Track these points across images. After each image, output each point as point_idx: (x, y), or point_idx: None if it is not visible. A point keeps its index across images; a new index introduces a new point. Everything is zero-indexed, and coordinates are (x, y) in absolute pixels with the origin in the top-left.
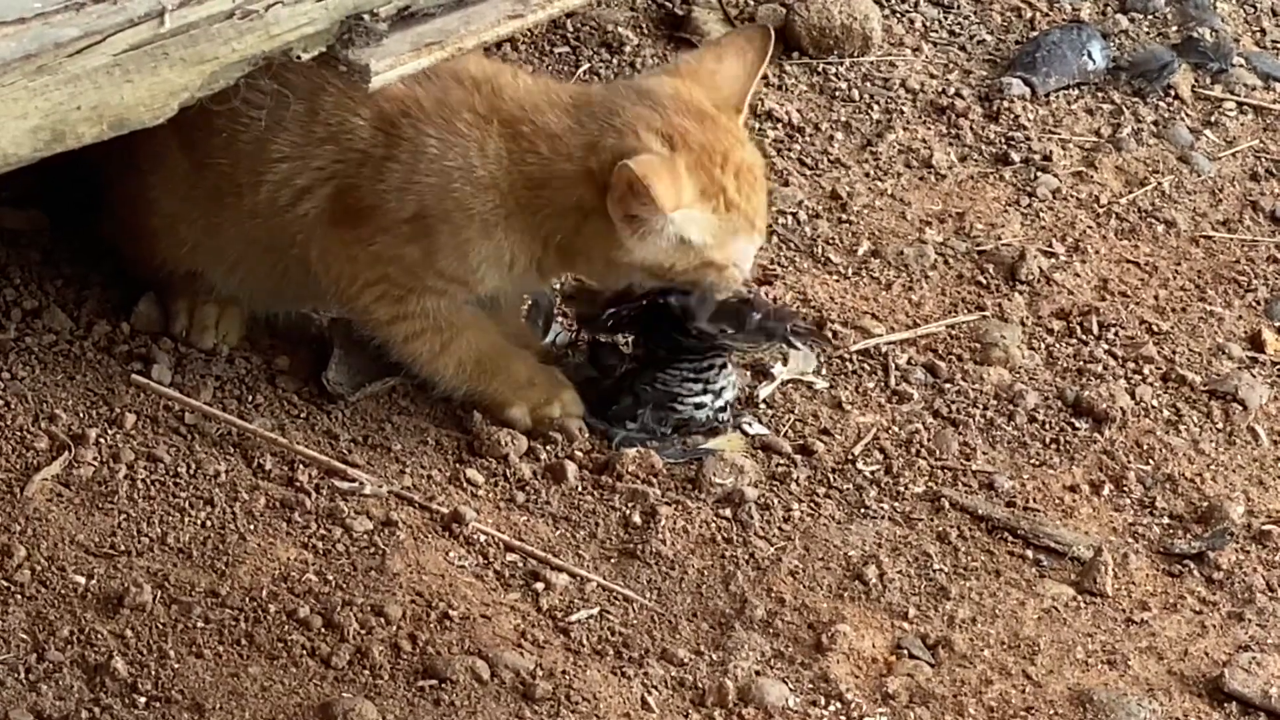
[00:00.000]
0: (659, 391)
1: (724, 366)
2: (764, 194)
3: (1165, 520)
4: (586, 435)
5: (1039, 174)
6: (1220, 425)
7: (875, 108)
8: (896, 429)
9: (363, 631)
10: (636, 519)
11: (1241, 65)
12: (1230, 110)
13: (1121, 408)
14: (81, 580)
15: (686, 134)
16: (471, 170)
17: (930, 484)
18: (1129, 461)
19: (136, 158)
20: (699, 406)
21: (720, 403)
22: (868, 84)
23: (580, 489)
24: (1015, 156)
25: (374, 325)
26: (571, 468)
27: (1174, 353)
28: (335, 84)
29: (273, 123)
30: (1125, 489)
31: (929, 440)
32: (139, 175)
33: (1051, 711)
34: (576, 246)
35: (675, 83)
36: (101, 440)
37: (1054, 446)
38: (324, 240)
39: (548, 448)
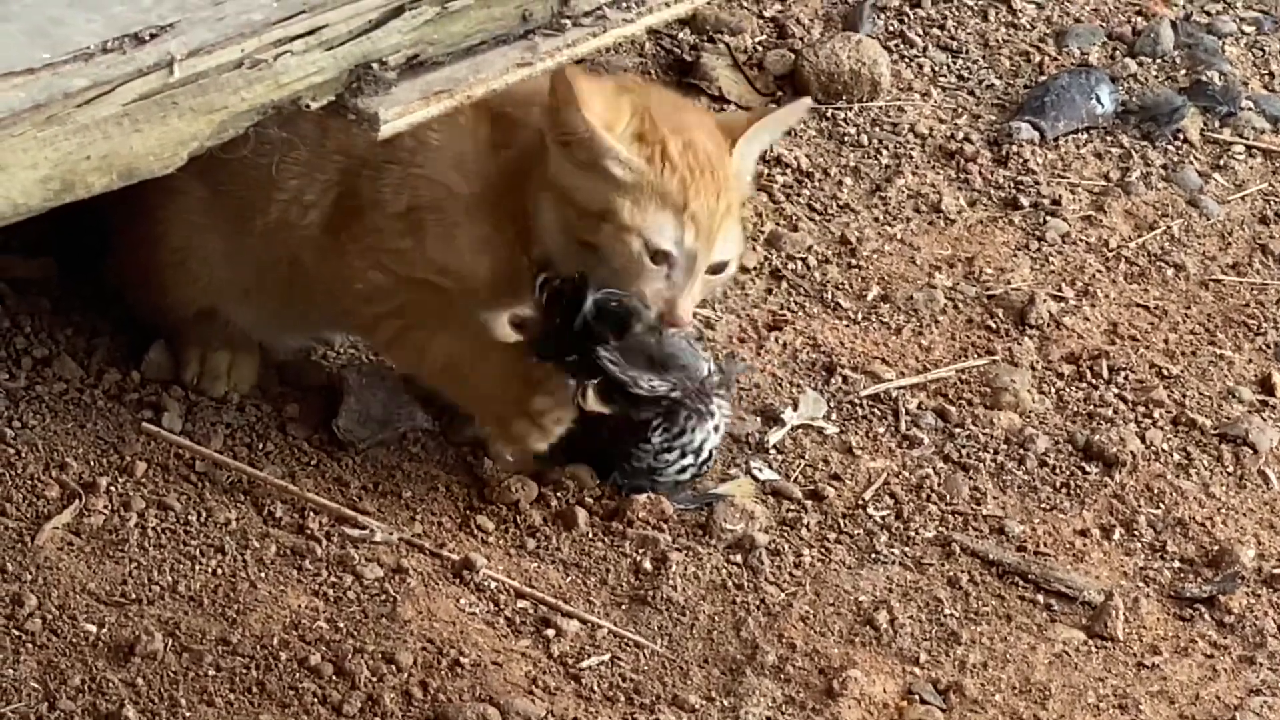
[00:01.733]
0: (637, 468)
1: (699, 418)
2: (714, 194)
3: (1176, 564)
4: (593, 478)
5: (1048, 218)
6: (1231, 469)
7: (884, 153)
8: (907, 474)
9: (374, 679)
10: (647, 565)
11: (1250, 109)
12: (1239, 154)
13: (1132, 451)
14: (92, 629)
15: (649, 98)
16: (463, 158)
17: (941, 529)
18: (1139, 505)
19: (145, 197)
20: (682, 470)
21: (703, 457)
22: (876, 129)
23: (591, 535)
24: (1024, 201)
25: (363, 330)
26: (582, 514)
27: (1184, 396)
28: None
29: (284, 146)
30: (1136, 533)
31: (939, 485)
32: (148, 213)
33: None
34: (530, 201)
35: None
36: (112, 488)
37: (1064, 491)
38: (322, 245)
39: (558, 494)
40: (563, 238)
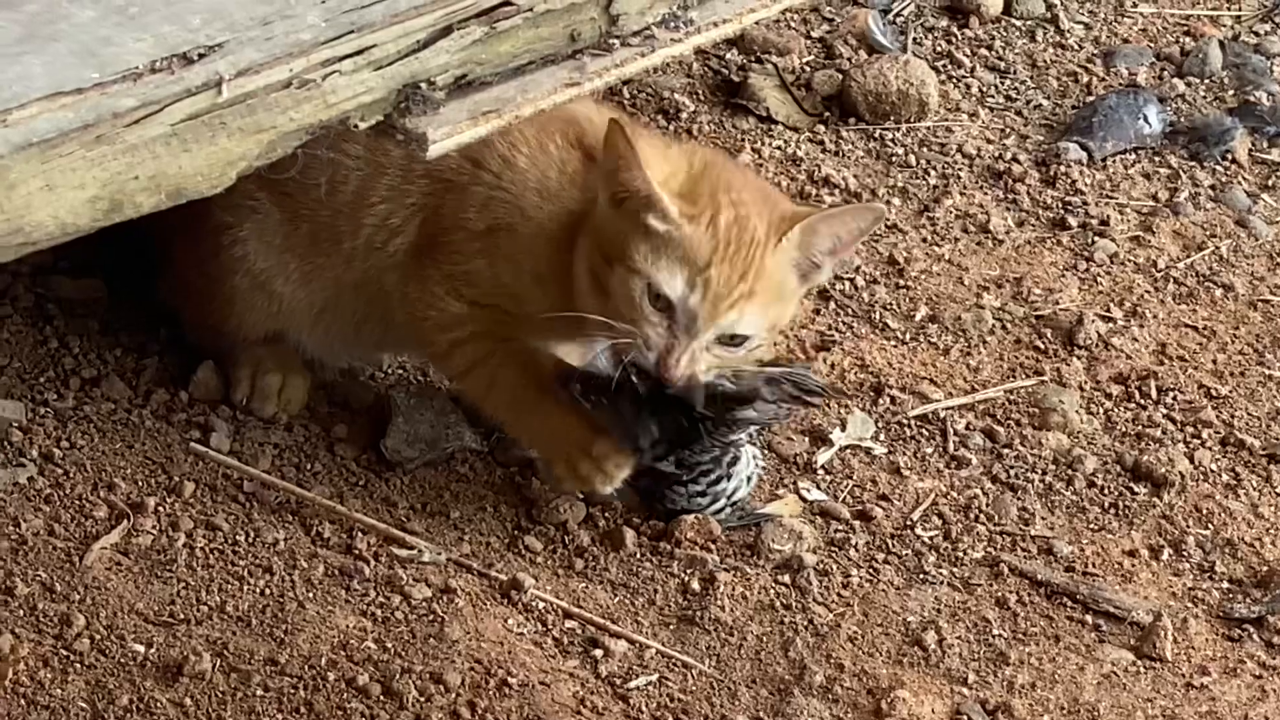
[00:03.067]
0: (671, 510)
1: (730, 462)
2: (742, 276)
3: (1225, 584)
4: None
5: (1096, 238)
6: (1279, 489)
7: (932, 173)
8: (955, 494)
9: (422, 699)
10: (695, 585)
11: None
12: None
13: (1180, 472)
14: (141, 649)
15: (693, 158)
16: (545, 185)
17: (989, 549)
18: (1188, 526)
19: (216, 218)
20: (717, 514)
21: (738, 498)
22: (924, 149)
23: (639, 555)
24: (1072, 221)
25: (437, 358)
26: (630, 534)
27: (1232, 416)
28: None
29: (373, 170)
30: (1184, 553)
31: (987, 505)
32: (215, 235)
33: None
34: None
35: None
36: (160, 509)
37: (1113, 511)
38: (405, 269)
39: (606, 514)
40: (586, 279)
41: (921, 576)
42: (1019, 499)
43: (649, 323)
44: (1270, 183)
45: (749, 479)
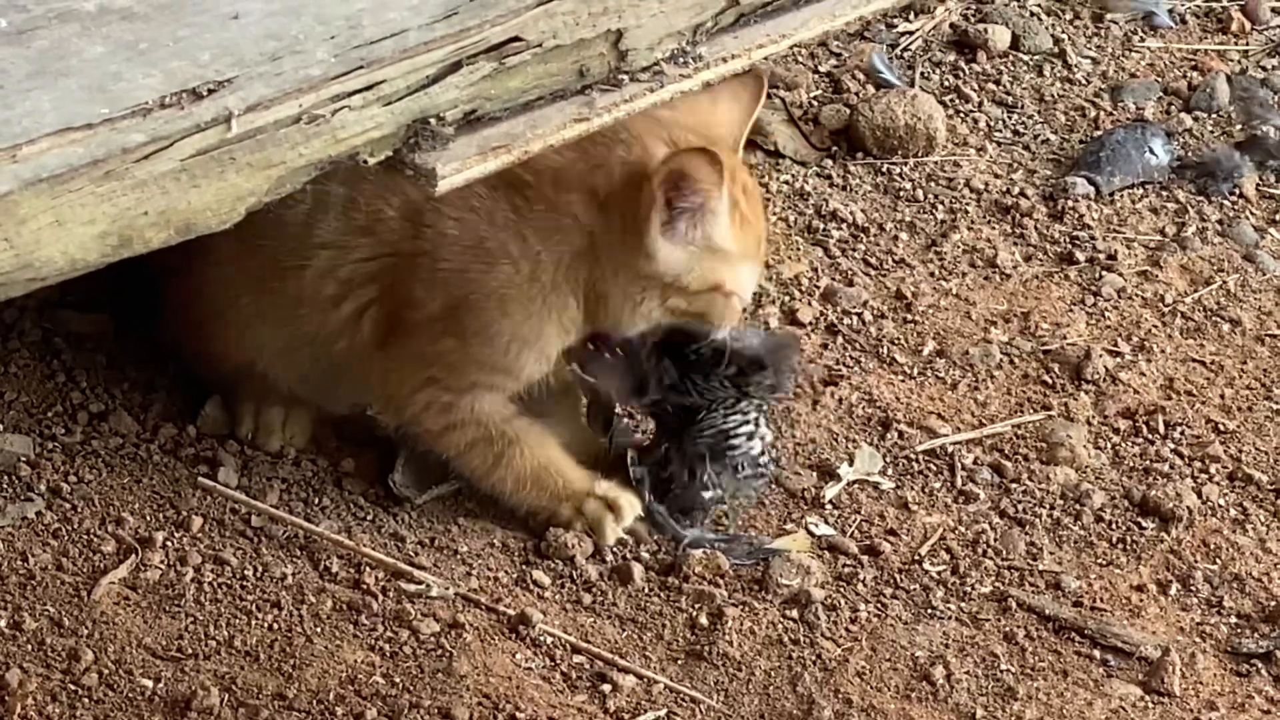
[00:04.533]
0: (710, 438)
1: (743, 400)
2: (764, 223)
3: (1233, 619)
4: (652, 535)
5: (1104, 273)
6: None
7: (940, 207)
8: (963, 529)
9: None
10: (703, 620)
11: None
12: None
13: (1188, 507)
14: (149, 683)
15: (693, 144)
16: (482, 243)
17: (997, 584)
18: (1196, 561)
19: (189, 248)
20: (750, 437)
21: (770, 438)
22: (932, 184)
23: (647, 590)
24: (1080, 256)
25: (429, 438)
26: (638, 569)
27: (1240, 451)
28: (374, 174)
29: (316, 205)
30: (1192, 588)
31: (995, 540)
32: (189, 263)
33: None
34: (596, 280)
35: (672, 113)
36: (168, 543)
37: (1120, 546)
38: (372, 359)
39: (614, 549)
40: (655, 315)
41: (929, 611)
42: (1027, 534)
43: (732, 314)
44: (1278, 217)
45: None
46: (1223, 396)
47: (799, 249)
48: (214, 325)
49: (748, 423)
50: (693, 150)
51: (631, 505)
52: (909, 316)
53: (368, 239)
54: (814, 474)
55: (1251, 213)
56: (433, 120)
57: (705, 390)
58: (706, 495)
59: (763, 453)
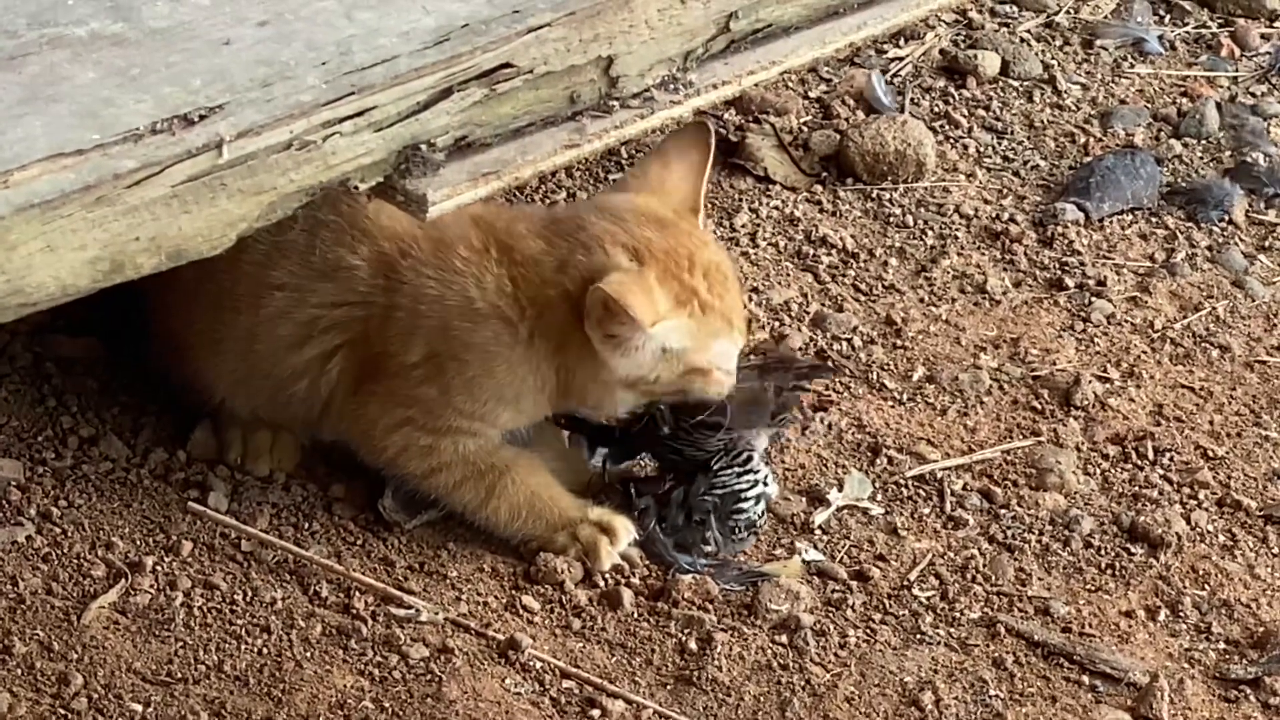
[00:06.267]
0: (719, 498)
1: (753, 455)
2: (737, 291)
3: (1221, 645)
4: (643, 561)
5: (1093, 299)
6: (1276, 550)
7: (929, 233)
8: (952, 555)
9: None
10: (692, 645)
11: None
12: None
13: (1177, 533)
14: (139, 708)
15: (650, 244)
16: (471, 304)
17: (986, 610)
18: (1185, 587)
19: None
20: (758, 499)
21: (771, 490)
22: (922, 210)
23: (636, 615)
24: (1069, 282)
25: (414, 481)
26: (628, 594)
27: (1229, 478)
28: (336, 219)
29: (272, 247)
30: (1181, 614)
31: (984, 566)
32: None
33: None
34: (570, 370)
35: (631, 197)
36: (158, 568)
37: (1109, 572)
38: (345, 406)
39: (604, 574)
40: (631, 403)
41: (918, 637)
42: (1016, 559)
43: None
44: (1267, 243)
45: (769, 470)
46: (1212, 423)
47: (788, 274)
48: (180, 349)
49: (758, 483)
50: (620, 281)
51: (627, 529)
52: (898, 342)
53: (328, 285)
54: (803, 499)
55: (1241, 239)
56: (424, 146)
57: (699, 439)
58: (705, 548)
59: (762, 513)
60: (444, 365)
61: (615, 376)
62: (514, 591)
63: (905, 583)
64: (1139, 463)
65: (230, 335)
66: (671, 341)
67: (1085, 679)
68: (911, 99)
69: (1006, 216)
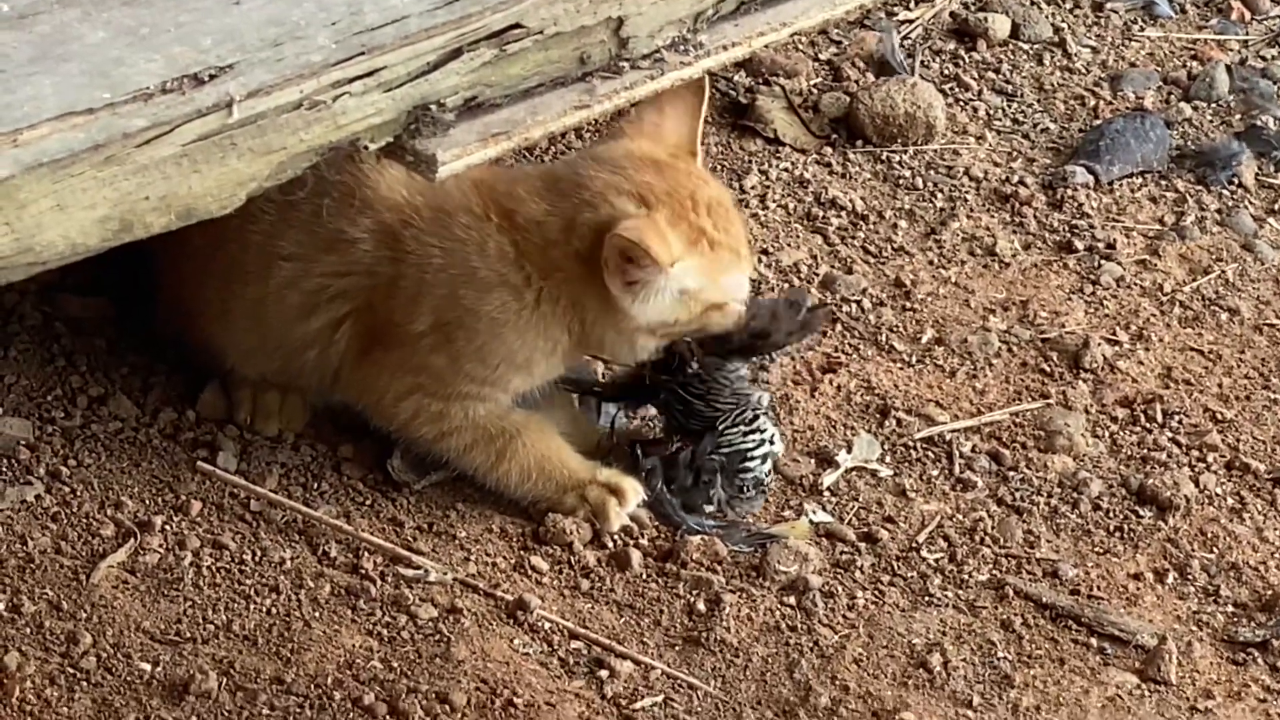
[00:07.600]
0: (726, 456)
1: (759, 414)
2: (740, 223)
3: (1229, 608)
4: (652, 522)
5: (1102, 262)
6: None
7: (939, 196)
8: (960, 517)
9: (427, 719)
10: (701, 606)
11: None
12: None
13: (1185, 496)
14: (147, 667)
15: (653, 188)
16: (475, 273)
17: (994, 572)
18: (1193, 549)
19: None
20: (764, 459)
21: (777, 449)
22: (931, 172)
23: (645, 576)
24: (1079, 244)
25: (426, 445)
26: (636, 555)
27: (1238, 440)
28: (338, 190)
29: (280, 218)
30: (1189, 577)
31: (993, 528)
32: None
33: None
34: (587, 325)
35: (625, 143)
36: (167, 527)
37: (1118, 534)
38: (354, 374)
39: (613, 535)
40: (652, 348)
41: (927, 599)
42: (1024, 522)
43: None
44: (1276, 206)
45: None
46: (1220, 385)
47: (798, 236)
48: (189, 319)
49: (764, 442)
50: (635, 226)
51: (635, 490)
52: (908, 304)
53: (333, 258)
54: (812, 461)
55: (1250, 202)
56: (433, 107)
57: (714, 388)
58: (707, 508)
59: (769, 473)
60: (452, 334)
61: (637, 324)
62: (523, 552)
63: (914, 544)
64: (1148, 425)
65: (239, 306)
66: (689, 281)
67: (1093, 641)
68: (922, 61)
69: (1016, 179)
